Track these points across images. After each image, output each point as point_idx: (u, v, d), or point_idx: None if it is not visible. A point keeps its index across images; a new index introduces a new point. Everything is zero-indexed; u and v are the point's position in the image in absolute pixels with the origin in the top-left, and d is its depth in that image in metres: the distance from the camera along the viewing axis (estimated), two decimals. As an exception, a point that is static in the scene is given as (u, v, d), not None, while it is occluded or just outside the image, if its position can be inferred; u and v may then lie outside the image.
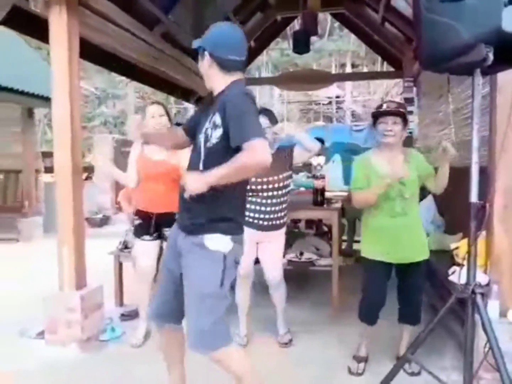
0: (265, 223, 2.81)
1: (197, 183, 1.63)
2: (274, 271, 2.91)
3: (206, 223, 1.75)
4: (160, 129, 2.84)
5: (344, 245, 4.84)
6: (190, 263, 1.77)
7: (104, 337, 3.01)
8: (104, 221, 8.53)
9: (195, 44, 1.87)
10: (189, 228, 1.79)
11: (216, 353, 1.76)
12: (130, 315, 3.42)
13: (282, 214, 2.87)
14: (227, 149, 1.65)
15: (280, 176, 2.80)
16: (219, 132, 1.71)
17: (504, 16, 1.63)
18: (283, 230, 2.93)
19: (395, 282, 2.58)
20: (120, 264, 3.75)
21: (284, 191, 2.84)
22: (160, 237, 2.96)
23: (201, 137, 1.80)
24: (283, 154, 2.87)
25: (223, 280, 1.75)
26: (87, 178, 9.66)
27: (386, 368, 2.39)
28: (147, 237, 2.93)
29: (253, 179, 2.71)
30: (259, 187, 2.76)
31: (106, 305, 3.20)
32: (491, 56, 1.69)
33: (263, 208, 2.79)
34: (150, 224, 2.92)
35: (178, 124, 2.87)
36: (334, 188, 3.95)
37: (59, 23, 2.85)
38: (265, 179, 2.76)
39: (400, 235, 2.42)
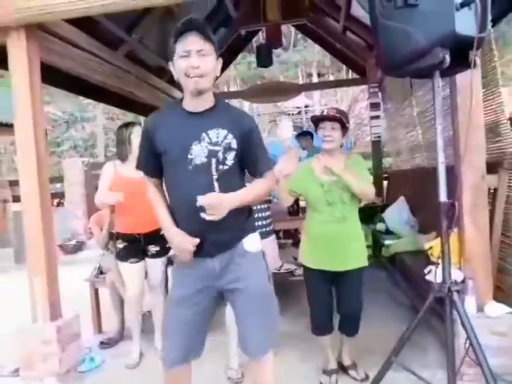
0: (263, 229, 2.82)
1: (221, 207, 1.60)
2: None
3: (238, 232, 1.77)
4: None
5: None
6: (240, 271, 1.75)
7: (83, 368, 2.91)
8: (78, 247, 8.31)
9: (210, 33, 1.65)
10: (224, 247, 1.74)
11: (271, 353, 1.79)
12: (109, 343, 3.32)
13: (269, 221, 2.93)
14: (240, 170, 1.77)
15: None
16: (232, 155, 1.70)
17: (457, 19, 1.69)
18: (273, 237, 2.98)
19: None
20: (96, 290, 3.64)
21: (270, 197, 2.90)
22: (146, 255, 2.95)
23: (204, 159, 1.66)
24: None
25: (269, 277, 1.84)
26: (58, 204, 9.44)
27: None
28: (133, 259, 2.90)
29: None
30: None
31: (84, 334, 3.09)
32: (448, 59, 1.74)
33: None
34: (137, 246, 2.89)
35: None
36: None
37: (18, 49, 2.77)
38: None
39: (339, 240, 2.37)
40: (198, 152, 1.67)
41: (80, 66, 3.64)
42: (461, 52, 1.79)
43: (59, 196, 9.12)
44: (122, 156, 2.96)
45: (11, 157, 15.68)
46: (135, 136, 2.86)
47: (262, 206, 2.86)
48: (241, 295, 1.76)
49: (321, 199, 2.38)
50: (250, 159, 1.75)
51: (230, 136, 1.68)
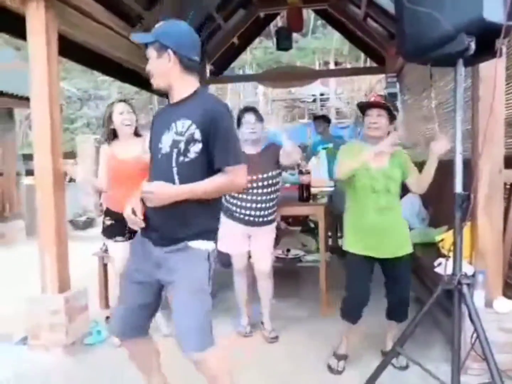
0: (256, 219, 2.86)
1: (165, 194, 1.62)
2: (263, 262, 2.95)
3: (186, 237, 1.72)
4: (130, 125, 2.83)
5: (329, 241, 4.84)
6: (178, 265, 1.71)
7: (89, 340, 2.95)
8: (88, 223, 8.40)
9: (145, 38, 1.75)
10: (169, 242, 1.72)
11: (204, 353, 1.70)
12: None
13: (272, 210, 2.92)
14: (206, 164, 1.69)
15: (270, 174, 2.84)
16: (198, 146, 1.67)
17: (485, 5, 1.63)
18: (273, 225, 2.99)
19: (378, 278, 2.53)
20: (105, 266, 3.68)
21: (273, 188, 2.88)
22: (132, 237, 2.91)
23: (168, 149, 1.69)
24: (271, 151, 2.90)
25: (210, 278, 1.76)
26: (71, 180, 9.50)
27: (367, 364, 2.42)
28: (119, 238, 2.89)
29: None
30: (248, 184, 2.75)
31: (91, 308, 3.14)
32: (473, 46, 1.69)
33: (253, 205, 2.82)
34: (123, 225, 2.87)
35: None
36: (319, 184, 3.94)
37: (36, 19, 2.78)
38: (254, 177, 2.76)
39: (385, 229, 2.39)
40: (166, 142, 1.71)
41: (97, 39, 3.63)
42: (487, 40, 1.73)
43: (72, 172, 9.17)
44: (105, 137, 2.93)
45: (26, 131, 15.82)
46: (117, 114, 2.83)
47: (269, 192, 2.85)
48: (175, 290, 1.73)
49: (366, 185, 2.37)
50: (213, 153, 1.67)
51: (193, 126, 1.66)
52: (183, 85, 1.74)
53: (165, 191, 1.64)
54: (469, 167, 2.22)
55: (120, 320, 1.84)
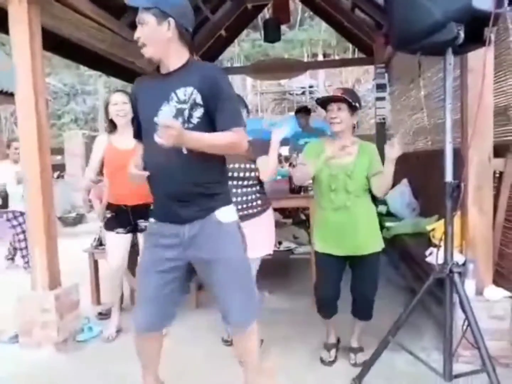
0: (241, 213, 2.69)
1: (173, 133, 1.51)
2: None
3: (210, 202, 1.72)
4: (124, 116, 2.78)
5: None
6: (212, 242, 1.72)
7: (81, 337, 2.92)
8: (78, 220, 8.33)
9: (143, 2, 1.63)
10: (196, 215, 1.71)
11: (254, 325, 1.79)
12: (108, 314, 3.33)
13: (256, 201, 2.70)
14: (209, 128, 1.67)
15: (253, 166, 2.68)
16: (200, 111, 1.66)
17: (474, -6, 1.63)
18: (264, 218, 2.75)
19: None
20: (96, 262, 3.65)
21: (253, 181, 2.68)
22: (135, 230, 2.90)
23: (172, 117, 1.65)
24: (258, 144, 2.80)
25: (245, 248, 1.80)
26: (58, 177, 9.41)
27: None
28: (120, 229, 2.87)
29: (230, 165, 2.57)
30: (229, 173, 2.59)
31: (83, 304, 3.11)
32: (462, 34, 1.69)
33: (238, 199, 2.64)
34: (124, 217, 2.86)
35: None
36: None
37: (19, 12, 2.72)
38: (236, 166, 2.62)
39: (344, 229, 2.32)
40: (167, 112, 1.68)
41: (81, 32, 3.56)
42: (475, 29, 1.74)
43: (60, 168, 9.09)
44: (107, 128, 2.95)
45: (12, 128, 15.58)
46: (112, 105, 2.83)
47: (251, 184, 2.69)
48: (215, 267, 1.73)
49: (324, 183, 2.33)
50: (216, 114, 1.66)
51: (195, 91, 1.65)
52: (177, 55, 1.70)
53: (178, 130, 1.52)
54: (458, 156, 2.23)
55: (148, 314, 1.79)
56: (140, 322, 1.82)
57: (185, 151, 1.65)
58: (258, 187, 2.72)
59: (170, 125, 1.50)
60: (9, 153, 4.72)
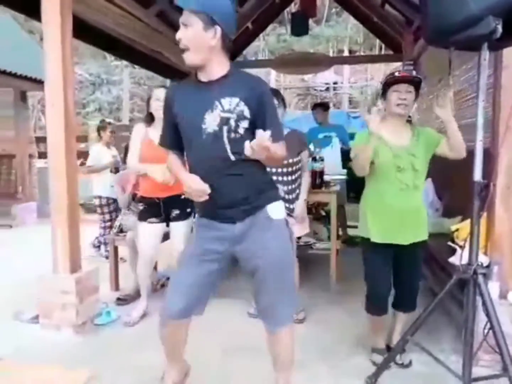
0: (286, 204, 2.80)
1: (264, 149, 1.51)
2: None
3: (259, 199, 1.74)
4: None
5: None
6: (261, 240, 1.73)
7: (99, 321, 2.97)
8: (100, 207, 8.44)
9: (193, 3, 1.60)
10: (247, 213, 1.73)
11: (292, 325, 1.80)
12: (126, 300, 3.39)
13: (295, 199, 2.95)
14: (253, 138, 1.64)
15: (292, 160, 2.84)
16: (246, 123, 1.67)
17: (513, -13, 1.58)
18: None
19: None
20: (116, 248, 3.70)
21: (296, 175, 2.91)
22: (168, 219, 2.97)
23: (216, 127, 1.65)
24: (295, 138, 2.88)
25: (293, 246, 1.81)
26: (82, 164, 9.56)
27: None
28: (154, 219, 2.93)
29: None
30: (278, 170, 2.80)
31: (102, 290, 3.16)
32: (499, 29, 1.63)
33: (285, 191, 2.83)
34: (157, 208, 2.93)
35: None
36: (332, 172, 3.90)
37: (51, -1, 2.75)
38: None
39: (408, 211, 2.23)
40: (210, 121, 1.66)
41: (111, 21, 3.60)
42: (513, 24, 1.68)
43: (83, 155, 9.23)
44: (145, 119, 3.00)
45: (39, 114, 15.91)
46: (154, 100, 2.88)
47: (289, 181, 2.86)
48: (261, 265, 1.73)
49: (390, 165, 2.22)
50: (264, 127, 1.64)
51: (242, 103, 1.65)
52: (218, 64, 1.68)
53: (270, 145, 1.51)
54: (487, 156, 2.17)
55: (184, 300, 1.77)
56: (173, 309, 1.79)
57: (232, 158, 1.67)
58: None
59: (266, 145, 1.49)
60: (103, 135, 4.81)
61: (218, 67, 1.68)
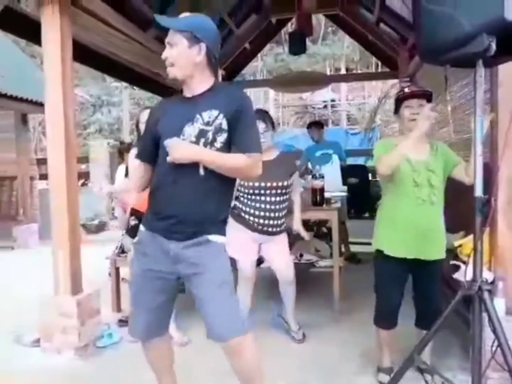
0: (269, 228, 2.83)
1: (186, 151, 1.61)
2: (285, 269, 2.92)
3: (209, 227, 1.73)
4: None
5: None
6: (200, 259, 1.71)
7: (101, 343, 2.94)
8: (100, 227, 8.44)
9: (178, 25, 1.67)
10: (190, 236, 1.71)
11: (238, 340, 1.71)
12: (128, 321, 3.34)
13: (284, 219, 2.92)
14: (228, 152, 1.70)
15: (282, 184, 2.81)
16: (223, 136, 1.68)
17: (506, 5, 1.59)
18: (285, 233, 2.98)
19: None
20: (117, 269, 3.68)
21: (285, 197, 2.87)
22: None
23: (193, 139, 1.67)
24: (286, 160, 2.90)
25: (230, 270, 1.80)
26: (83, 184, 9.59)
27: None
28: None
29: (256, 184, 2.73)
30: (262, 191, 2.76)
31: (103, 311, 3.13)
32: (493, 46, 1.65)
33: (266, 214, 2.79)
34: None
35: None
36: (333, 189, 3.90)
37: (51, 23, 2.80)
38: (268, 184, 2.75)
39: (425, 226, 2.22)
40: (189, 133, 1.68)
41: (110, 44, 3.65)
42: (507, 40, 1.70)
43: (84, 176, 9.26)
44: (137, 144, 2.98)
45: (39, 137, 16.02)
46: (141, 123, 2.89)
47: (281, 201, 2.83)
48: (199, 280, 1.71)
49: (408, 178, 2.23)
50: (236, 139, 1.68)
51: (220, 116, 1.66)
52: (202, 80, 1.73)
53: (187, 146, 1.63)
54: (487, 171, 2.17)
55: (142, 322, 1.80)
56: (139, 331, 1.84)
57: (202, 172, 1.67)
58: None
59: (175, 144, 1.60)
60: (125, 157, 4.80)
61: (201, 83, 1.73)
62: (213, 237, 1.73)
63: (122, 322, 3.32)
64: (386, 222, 2.34)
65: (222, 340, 1.72)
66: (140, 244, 1.84)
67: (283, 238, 2.96)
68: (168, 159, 1.62)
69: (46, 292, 2.95)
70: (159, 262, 1.75)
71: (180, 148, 1.63)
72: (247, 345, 1.74)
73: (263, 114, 2.85)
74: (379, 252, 2.34)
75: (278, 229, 2.86)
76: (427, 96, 2.25)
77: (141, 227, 1.84)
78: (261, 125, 2.70)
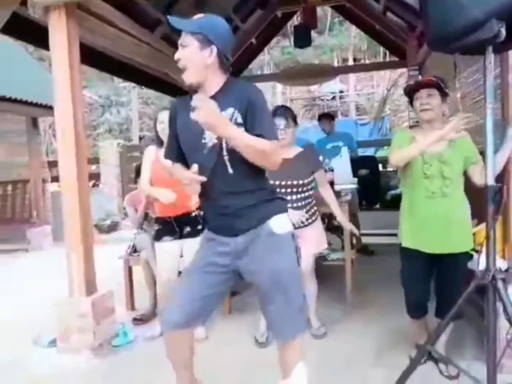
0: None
1: (210, 113, 1.52)
2: (304, 264, 2.85)
3: (261, 211, 1.74)
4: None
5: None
6: (265, 253, 1.72)
7: (116, 342, 2.98)
8: (113, 227, 8.50)
9: (189, 26, 1.68)
10: (249, 225, 1.74)
11: (299, 339, 1.75)
12: (142, 319, 3.39)
13: (309, 213, 2.89)
14: None
15: (303, 181, 2.80)
16: (241, 130, 1.67)
17: (514, -11, 1.57)
18: (314, 225, 2.93)
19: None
20: (130, 268, 3.72)
21: (307, 193, 2.86)
22: (181, 236, 2.97)
23: (215, 140, 1.68)
24: (306, 157, 2.87)
25: (299, 259, 1.78)
26: (94, 185, 9.68)
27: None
28: (167, 237, 2.94)
29: (277, 182, 2.70)
30: (281, 190, 2.74)
31: (117, 310, 3.17)
32: (503, 32, 1.62)
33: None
34: (169, 227, 2.95)
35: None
36: (343, 181, 3.88)
37: (58, 28, 2.82)
38: (288, 182, 2.76)
39: (435, 217, 2.19)
40: (210, 136, 1.69)
41: (118, 46, 3.67)
42: (517, 26, 1.67)
43: (95, 177, 9.34)
44: (156, 141, 3.01)
45: (50, 140, 16.19)
46: (159, 123, 2.91)
47: (303, 197, 2.83)
48: (264, 277, 1.72)
49: (418, 171, 2.22)
50: (253, 127, 1.66)
51: (236, 112, 1.67)
52: (215, 81, 1.73)
53: (216, 112, 1.54)
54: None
55: (183, 310, 1.78)
56: (173, 318, 1.80)
57: (230, 171, 1.69)
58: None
59: (205, 101, 1.53)
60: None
61: (214, 85, 1.73)
62: (274, 227, 1.73)
63: (137, 321, 3.37)
64: (404, 215, 2.36)
65: (285, 339, 1.77)
66: (206, 240, 1.88)
67: (310, 232, 2.89)
68: (192, 116, 1.54)
69: (61, 293, 2.99)
70: (222, 257, 1.77)
71: (208, 112, 1.52)
72: (301, 343, 1.80)
73: (284, 111, 2.81)
74: (401, 245, 2.35)
75: (304, 223, 2.83)
76: (436, 84, 2.20)
77: (206, 229, 1.91)
78: (282, 122, 2.70)
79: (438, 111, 2.22)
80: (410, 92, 2.28)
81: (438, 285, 2.37)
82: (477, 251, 2.21)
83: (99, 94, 18.02)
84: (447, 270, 2.28)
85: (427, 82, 2.21)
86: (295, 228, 2.73)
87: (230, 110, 1.68)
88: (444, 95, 2.22)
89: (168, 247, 2.94)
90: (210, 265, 1.79)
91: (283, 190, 2.74)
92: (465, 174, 2.27)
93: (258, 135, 1.62)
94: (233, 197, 1.72)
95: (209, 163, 1.70)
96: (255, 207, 1.73)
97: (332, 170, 3.42)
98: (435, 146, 2.20)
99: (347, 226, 3.02)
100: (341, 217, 2.99)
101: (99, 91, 17.99)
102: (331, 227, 4.25)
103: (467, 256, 2.26)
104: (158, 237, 2.99)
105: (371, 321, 3.01)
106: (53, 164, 8.10)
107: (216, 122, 1.54)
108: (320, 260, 3.54)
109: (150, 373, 2.55)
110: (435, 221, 2.21)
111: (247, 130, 1.67)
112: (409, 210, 2.32)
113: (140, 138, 3.42)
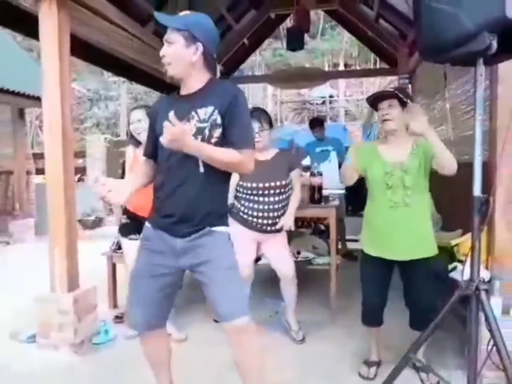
0: (268, 227, 2.81)
1: (179, 137, 1.54)
2: (285, 266, 2.89)
3: (211, 220, 1.75)
4: (139, 134, 2.84)
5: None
6: (206, 248, 1.74)
7: (97, 340, 2.93)
8: (97, 223, 8.42)
9: (175, 22, 1.68)
10: (195, 230, 1.74)
11: (242, 320, 1.73)
12: (124, 318, 3.34)
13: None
14: (222, 147, 1.70)
15: (281, 183, 2.78)
16: (219, 131, 1.69)
17: (508, 3, 1.58)
18: (284, 231, 2.93)
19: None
20: (114, 265, 3.67)
21: (285, 195, 2.83)
22: None
23: (191, 135, 1.65)
24: (283, 158, 2.86)
25: (235, 257, 1.81)
26: (79, 180, 9.56)
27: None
28: (134, 236, 2.90)
29: (254, 184, 2.72)
30: (260, 191, 2.74)
31: (100, 307, 3.12)
32: (494, 45, 1.64)
33: (265, 214, 2.77)
34: (138, 225, 2.87)
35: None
36: (331, 186, 3.89)
37: (49, 18, 2.77)
38: (264, 185, 2.74)
39: (397, 227, 2.22)
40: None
41: (108, 39, 3.62)
42: (508, 39, 1.69)
43: (81, 171, 9.23)
44: (132, 142, 2.99)
45: (36, 131, 15.94)
46: (130, 123, 2.90)
47: (280, 200, 2.80)
48: (206, 267, 1.74)
49: (380, 181, 2.24)
50: (228, 134, 1.68)
51: (215, 112, 1.68)
52: (199, 78, 1.74)
53: (184, 134, 1.55)
54: (486, 170, 2.16)
55: (142, 315, 1.81)
56: (138, 322, 1.84)
57: (201, 170, 1.69)
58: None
59: (174, 124, 1.53)
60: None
61: (197, 81, 1.74)
62: (216, 228, 1.76)
63: (118, 319, 3.32)
64: (365, 225, 2.40)
65: (228, 319, 1.73)
66: (146, 240, 1.86)
67: (283, 237, 2.94)
68: (161, 140, 1.60)
69: (43, 288, 2.93)
70: (165, 258, 1.77)
71: (177, 137, 1.55)
72: (250, 331, 1.76)
73: (259, 114, 2.81)
74: (362, 251, 2.40)
75: (277, 227, 2.83)
76: (394, 95, 2.21)
77: (147, 224, 1.86)
78: (256, 125, 2.69)
79: (399, 121, 2.22)
80: (373, 104, 2.31)
81: (406, 295, 2.37)
82: (460, 261, 2.23)
83: (88, 87, 17.82)
84: (411, 277, 2.30)
85: (386, 94, 2.24)
86: (266, 232, 2.79)
87: (210, 109, 1.68)
88: (403, 105, 2.22)
89: (134, 244, 2.88)
90: (154, 266, 1.79)
91: (262, 192, 2.74)
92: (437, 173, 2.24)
93: (230, 142, 1.66)
94: (195, 198, 1.72)
95: (181, 157, 1.68)
96: (210, 216, 1.75)
97: (321, 174, 3.42)
98: (397, 156, 2.24)
99: (288, 221, 2.83)
100: (288, 217, 2.83)
101: (88, 85, 17.79)
102: (317, 231, 4.27)
103: (430, 261, 2.27)
104: (125, 232, 2.97)
105: (355, 326, 3.00)
106: (38, 156, 7.98)
107: (182, 143, 1.56)
108: (305, 264, 3.55)
109: (130, 372, 2.52)
110: (397, 230, 2.24)
111: (224, 132, 1.69)
112: (371, 219, 2.36)
113: (131, 135, 3.35)
